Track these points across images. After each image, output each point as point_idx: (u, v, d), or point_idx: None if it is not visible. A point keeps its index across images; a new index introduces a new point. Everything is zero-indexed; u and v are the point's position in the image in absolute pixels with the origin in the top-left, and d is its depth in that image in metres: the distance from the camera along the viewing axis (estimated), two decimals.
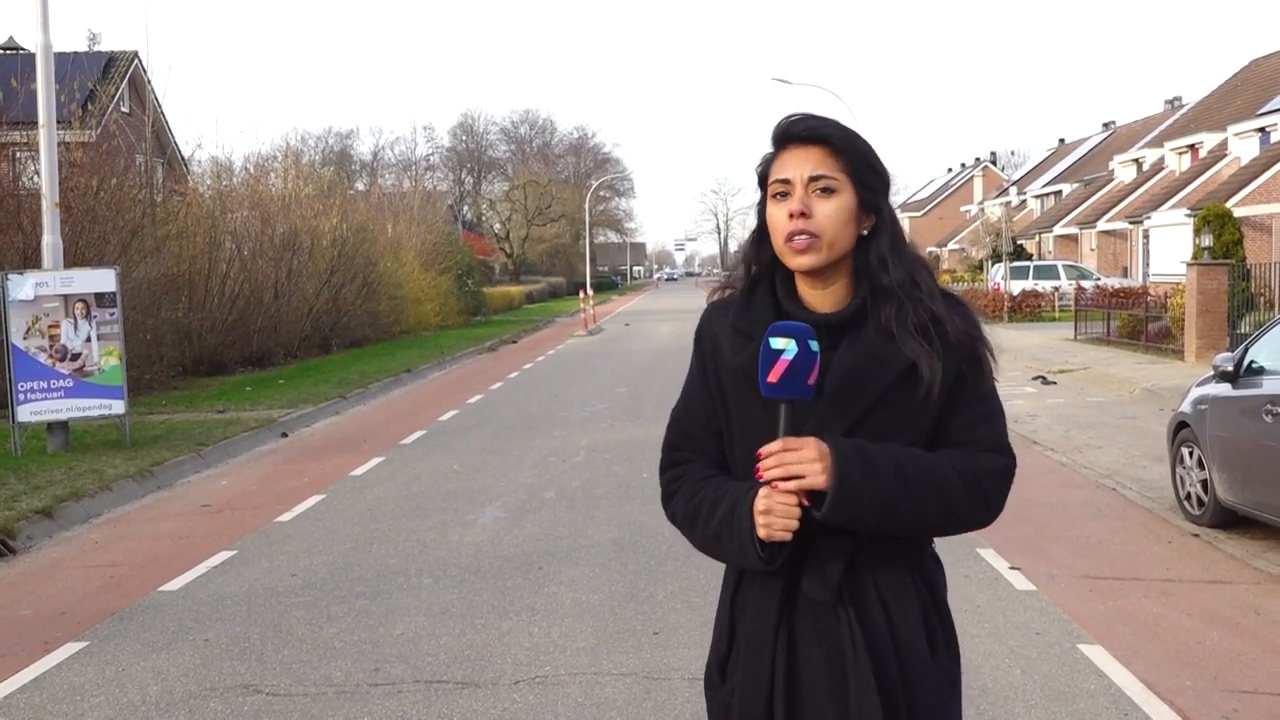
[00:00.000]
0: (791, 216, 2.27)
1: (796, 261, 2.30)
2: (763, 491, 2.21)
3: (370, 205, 39.07)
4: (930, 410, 2.30)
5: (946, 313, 2.32)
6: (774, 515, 2.20)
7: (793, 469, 2.18)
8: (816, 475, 2.17)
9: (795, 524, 2.19)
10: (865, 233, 2.34)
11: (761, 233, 2.39)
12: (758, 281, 2.41)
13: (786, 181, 2.30)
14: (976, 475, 2.29)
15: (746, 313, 2.38)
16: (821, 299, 2.35)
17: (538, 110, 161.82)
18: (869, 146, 2.35)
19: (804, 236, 2.27)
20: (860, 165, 2.32)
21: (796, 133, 2.32)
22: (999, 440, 2.35)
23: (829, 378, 2.27)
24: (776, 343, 2.20)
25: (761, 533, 2.21)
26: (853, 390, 2.27)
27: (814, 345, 2.19)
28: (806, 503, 2.19)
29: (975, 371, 2.33)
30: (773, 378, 2.19)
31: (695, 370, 2.49)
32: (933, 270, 2.41)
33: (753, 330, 2.32)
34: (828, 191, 2.28)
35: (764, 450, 2.20)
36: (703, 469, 2.44)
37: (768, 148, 2.38)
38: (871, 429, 2.27)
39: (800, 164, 2.30)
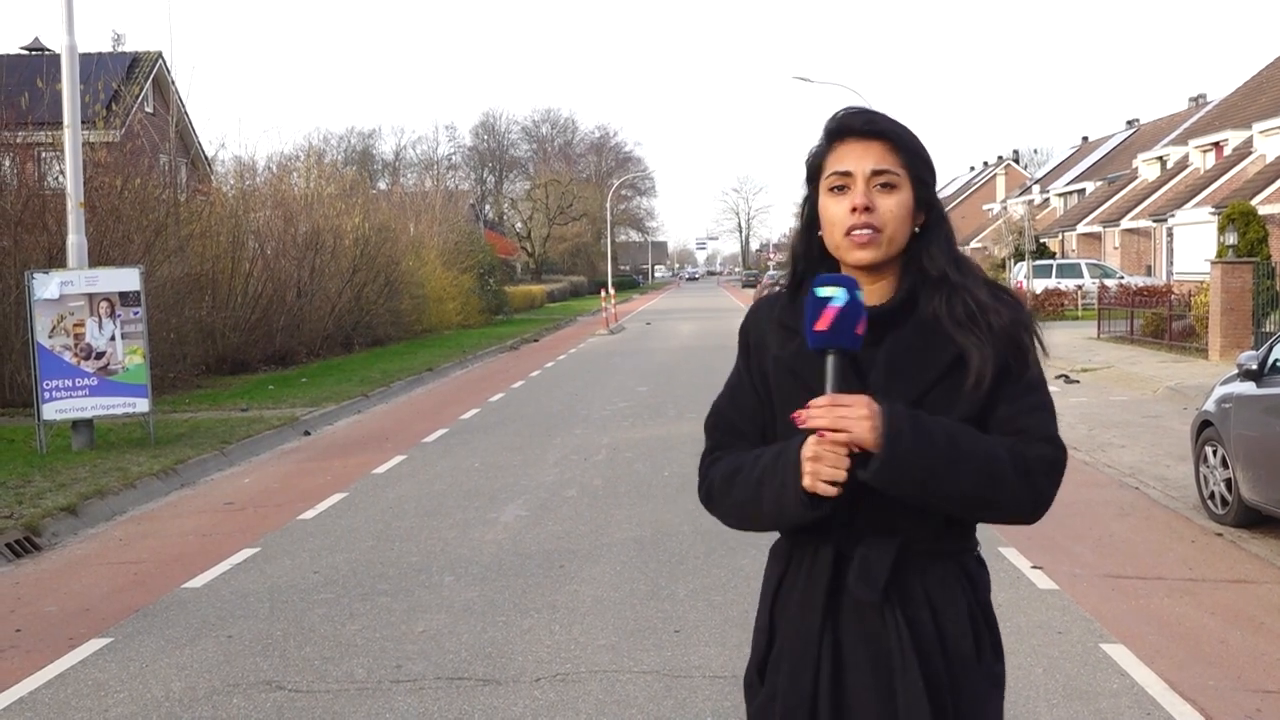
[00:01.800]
0: (855, 210, 2.25)
1: (857, 255, 2.27)
2: (812, 439, 2.13)
3: (392, 204, 39.22)
4: (978, 400, 2.26)
5: (991, 301, 2.29)
6: (822, 464, 2.11)
7: (841, 422, 2.11)
8: (865, 433, 2.10)
9: (841, 476, 2.11)
10: (917, 229, 2.32)
11: (809, 227, 2.38)
12: (804, 277, 2.37)
13: (847, 174, 2.27)
14: (1028, 461, 2.22)
15: (793, 308, 2.35)
16: (869, 293, 2.28)
17: (559, 109, 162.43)
18: (923, 143, 2.34)
19: (866, 230, 2.25)
20: (918, 162, 2.30)
21: (855, 126, 2.29)
22: (1048, 431, 2.28)
23: (878, 371, 2.25)
24: (824, 291, 2.15)
25: (806, 480, 2.13)
26: (901, 382, 2.24)
27: (860, 297, 2.15)
28: (857, 449, 2.12)
29: (1020, 361, 2.28)
30: (821, 325, 2.14)
31: (741, 365, 2.47)
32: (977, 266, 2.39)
33: (799, 325, 2.29)
34: (889, 187, 2.26)
35: (813, 402, 2.14)
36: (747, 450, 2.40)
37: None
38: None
39: (861, 158, 2.27)
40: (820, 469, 2.12)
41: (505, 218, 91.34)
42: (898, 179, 2.27)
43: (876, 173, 2.26)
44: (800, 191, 2.42)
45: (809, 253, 2.39)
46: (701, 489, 2.46)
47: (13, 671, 6.08)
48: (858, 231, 2.25)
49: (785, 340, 2.35)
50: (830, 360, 2.17)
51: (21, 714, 5.48)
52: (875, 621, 2.24)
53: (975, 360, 2.24)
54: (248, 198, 27.35)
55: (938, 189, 2.41)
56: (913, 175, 2.29)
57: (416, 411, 17.34)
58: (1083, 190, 60.97)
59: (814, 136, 2.38)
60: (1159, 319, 24.44)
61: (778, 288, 2.46)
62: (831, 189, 2.29)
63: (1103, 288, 30.55)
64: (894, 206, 2.26)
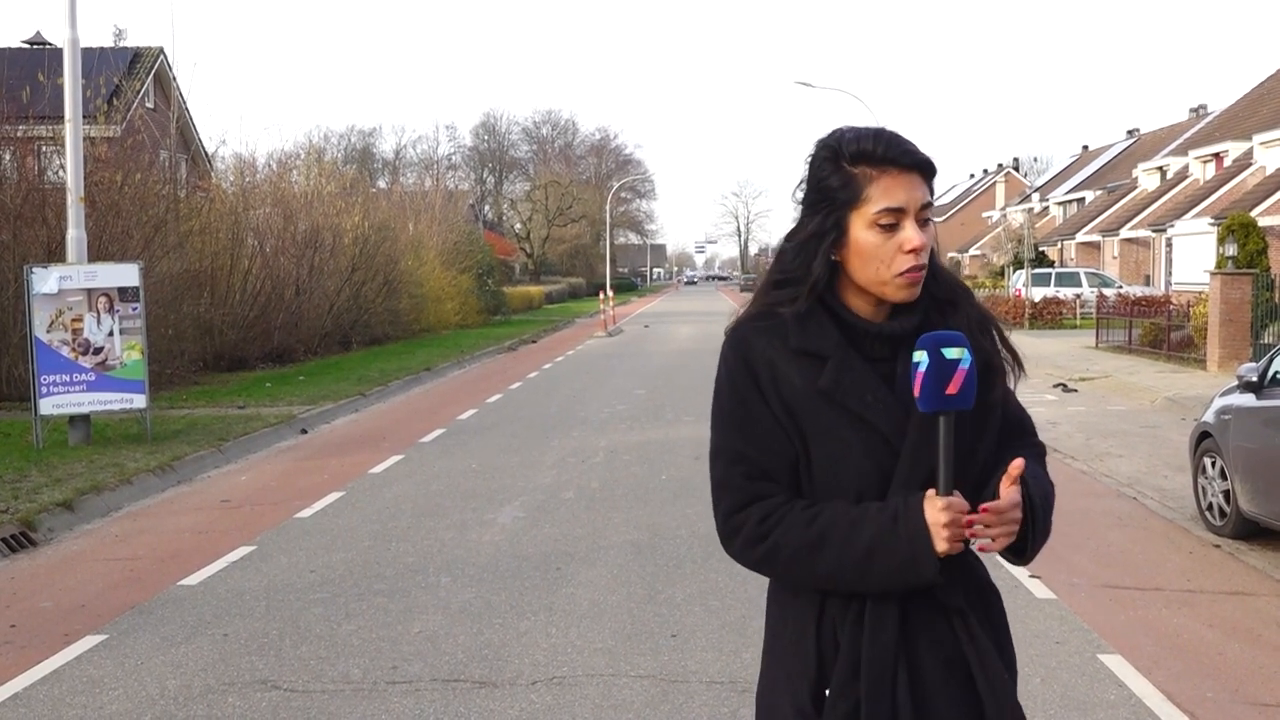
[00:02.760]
0: (915, 251, 2.17)
1: (909, 294, 2.21)
2: (941, 504, 2.12)
3: (392, 204, 39.23)
4: (1000, 406, 2.31)
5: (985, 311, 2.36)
6: (956, 526, 2.12)
7: (1014, 527, 2.18)
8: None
9: (967, 533, 2.15)
10: None
11: (829, 250, 2.24)
12: (815, 301, 2.27)
13: (900, 211, 2.18)
14: (1043, 466, 2.39)
15: (806, 334, 2.23)
16: (875, 312, 2.25)
17: (560, 111, 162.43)
18: None
19: (921, 270, 2.21)
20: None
21: (900, 159, 2.19)
22: (1032, 424, 2.45)
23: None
24: (951, 353, 2.10)
25: (943, 546, 2.12)
26: None
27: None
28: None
29: (1013, 362, 2.36)
30: (953, 389, 2.10)
31: (752, 400, 2.26)
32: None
33: (824, 351, 2.21)
34: (927, 221, 2.22)
35: (979, 519, 2.13)
36: (800, 501, 2.25)
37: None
38: (963, 433, 2.19)
39: (911, 193, 2.19)
40: (956, 531, 2.13)
41: (504, 218, 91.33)
42: (931, 209, 2.25)
43: (923, 207, 2.21)
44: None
45: (822, 275, 2.25)
46: (755, 550, 2.25)
47: (7, 667, 6.06)
48: (913, 272, 2.19)
49: (810, 370, 2.22)
50: (943, 422, 2.13)
51: (16, 710, 5.47)
52: (942, 628, 2.25)
53: (999, 366, 2.31)
54: (247, 195, 27.32)
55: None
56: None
57: (414, 411, 17.33)
58: (1082, 199, 61.05)
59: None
60: (1157, 329, 24.45)
61: (776, 316, 2.27)
62: (881, 225, 2.18)
63: (1101, 297, 30.59)
64: (929, 239, 2.22)
